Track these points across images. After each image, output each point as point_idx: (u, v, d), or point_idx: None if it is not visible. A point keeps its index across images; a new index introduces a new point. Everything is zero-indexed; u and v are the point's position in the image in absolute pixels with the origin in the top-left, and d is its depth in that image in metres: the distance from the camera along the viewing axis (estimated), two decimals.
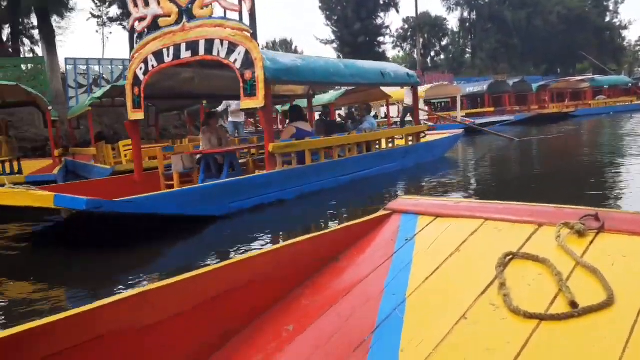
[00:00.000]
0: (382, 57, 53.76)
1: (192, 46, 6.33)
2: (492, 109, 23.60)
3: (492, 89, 24.54)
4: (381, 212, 2.07)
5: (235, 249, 4.55)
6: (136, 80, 6.93)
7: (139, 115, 7.05)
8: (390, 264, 1.71)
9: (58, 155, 10.62)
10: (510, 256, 1.54)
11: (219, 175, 6.90)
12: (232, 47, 6.06)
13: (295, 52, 60.37)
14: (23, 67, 15.67)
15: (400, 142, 9.68)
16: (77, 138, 13.41)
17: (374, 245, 1.88)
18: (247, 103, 6.10)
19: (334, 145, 7.44)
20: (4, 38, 20.49)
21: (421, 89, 19.30)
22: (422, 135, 10.48)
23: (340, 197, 6.80)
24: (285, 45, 61.14)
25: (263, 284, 1.69)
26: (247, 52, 6.00)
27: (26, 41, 22.56)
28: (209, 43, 6.20)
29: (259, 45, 6.11)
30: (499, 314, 1.35)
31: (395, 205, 2.08)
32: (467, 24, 56.37)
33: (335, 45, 54.20)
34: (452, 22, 57.12)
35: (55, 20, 19.56)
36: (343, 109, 20.32)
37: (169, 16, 6.46)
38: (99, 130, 13.32)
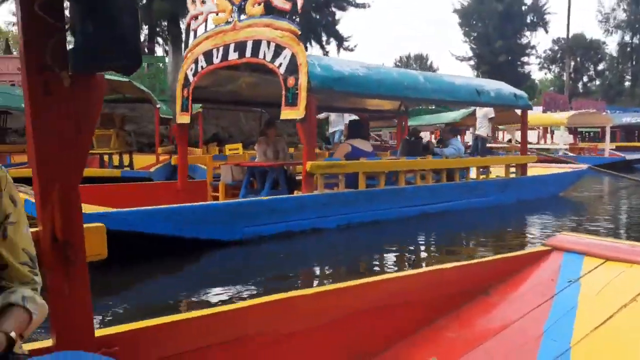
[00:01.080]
0: (525, 77, 51.22)
1: (240, 47, 5.81)
2: None
3: None
4: (539, 247, 1.92)
5: (226, 289, 3.67)
6: (186, 82, 6.46)
7: (185, 118, 6.57)
8: (551, 307, 1.57)
9: (164, 152, 10.80)
10: None
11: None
12: (278, 50, 5.50)
13: (430, 68, 59.81)
14: (145, 65, 16.30)
15: (500, 174, 8.51)
16: (189, 137, 13.87)
17: (530, 283, 1.75)
18: (287, 113, 5.42)
19: (401, 170, 6.45)
20: (141, 38, 22.68)
21: (563, 115, 17.94)
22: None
23: (394, 232, 5.84)
24: (420, 61, 60.75)
25: (402, 308, 1.64)
26: (292, 56, 5.37)
27: (161, 41, 24.50)
28: (257, 44, 5.68)
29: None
30: None
31: (556, 242, 1.92)
32: (628, 49, 51.67)
33: (472, 62, 52.81)
34: (611, 46, 52.52)
35: (182, 22, 21.20)
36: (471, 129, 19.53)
37: (223, 13, 6.02)
38: (214, 132, 13.66)
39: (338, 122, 12.45)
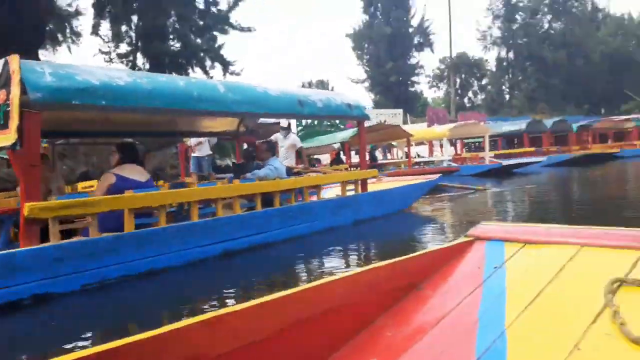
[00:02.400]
0: (417, 96, 54.34)
1: None
2: (531, 149, 23.19)
3: (530, 128, 24.21)
4: (462, 239, 2.01)
5: None
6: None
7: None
8: (481, 294, 1.64)
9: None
10: (619, 283, 1.45)
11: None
12: None
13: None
14: None
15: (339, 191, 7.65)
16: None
17: (459, 273, 1.82)
18: None
19: (193, 201, 5.26)
20: None
21: (444, 128, 19.42)
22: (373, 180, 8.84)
23: (174, 284, 4.56)
24: (322, 85, 62.53)
25: (340, 312, 1.63)
26: (5, 63, 4.10)
27: None
28: None
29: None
30: (617, 344, 1.26)
31: (478, 232, 2.02)
32: (505, 63, 56.68)
33: (366, 84, 55.16)
34: (492, 62, 57.52)
35: (44, 54, 20.04)
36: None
37: None
38: (85, 170, 12.64)
39: (203, 147, 11.14)
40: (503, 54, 56.22)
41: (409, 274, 1.82)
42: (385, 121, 21.90)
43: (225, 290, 4.35)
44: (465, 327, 1.50)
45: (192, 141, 11.25)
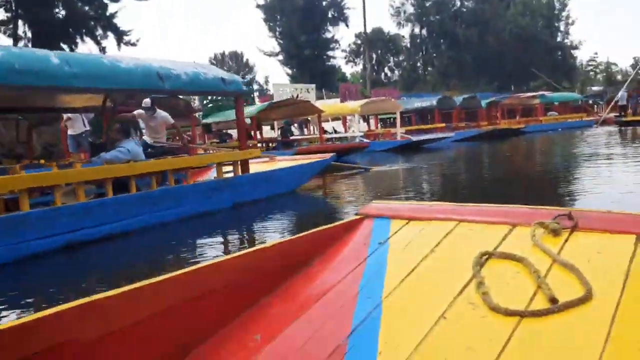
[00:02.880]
0: (333, 71, 54.65)
1: None
2: (442, 125, 24.22)
3: (441, 104, 25.10)
4: (353, 217, 2.09)
5: None
6: None
7: None
8: (364, 268, 1.73)
9: None
10: (487, 256, 1.59)
11: None
12: None
13: (247, 65, 60.62)
14: None
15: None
16: None
17: (347, 250, 1.89)
18: None
19: (22, 189, 4.77)
20: None
21: (356, 104, 19.67)
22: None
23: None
24: (236, 58, 61.34)
25: (227, 292, 1.65)
26: None
27: None
28: None
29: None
30: (479, 312, 1.38)
31: (368, 210, 2.11)
32: (418, 40, 58.23)
33: (280, 57, 54.71)
34: (407, 38, 58.91)
35: None
36: (276, 123, 20.21)
37: None
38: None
39: (75, 122, 10.13)
40: (417, 30, 57.69)
41: (300, 253, 1.87)
42: (298, 96, 21.95)
43: (62, 288, 3.97)
44: (346, 300, 1.58)
45: (64, 118, 10.17)
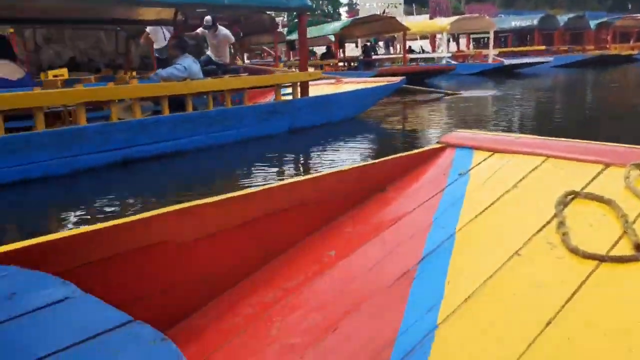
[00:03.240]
0: None
1: None
2: (542, 48, 22.01)
3: (542, 24, 22.71)
4: (434, 145, 2.07)
5: None
6: None
7: None
8: (441, 198, 1.73)
9: None
10: (572, 195, 1.54)
11: None
12: None
13: None
14: None
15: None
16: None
17: (425, 178, 1.90)
18: None
19: (79, 104, 4.87)
20: None
21: (445, 21, 18.36)
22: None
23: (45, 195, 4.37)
24: None
25: (306, 209, 1.74)
26: None
27: None
28: None
29: None
30: (556, 252, 1.36)
31: (450, 139, 2.08)
32: None
33: None
34: None
35: None
36: (360, 41, 19.46)
37: None
38: (72, 56, 11.59)
39: (156, 36, 9.86)
40: None
41: (377, 177, 1.90)
42: (385, 12, 20.96)
43: (119, 201, 4.11)
44: (420, 228, 1.61)
45: (145, 32, 10.11)
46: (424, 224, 1.62)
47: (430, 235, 1.56)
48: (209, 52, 8.89)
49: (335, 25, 15.89)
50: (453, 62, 17.84)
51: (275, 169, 5.27)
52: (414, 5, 31.08)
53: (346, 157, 5.56)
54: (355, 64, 17.15)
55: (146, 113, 5.70)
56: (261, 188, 1.67)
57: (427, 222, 1.63)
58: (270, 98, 7.44)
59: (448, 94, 11.16)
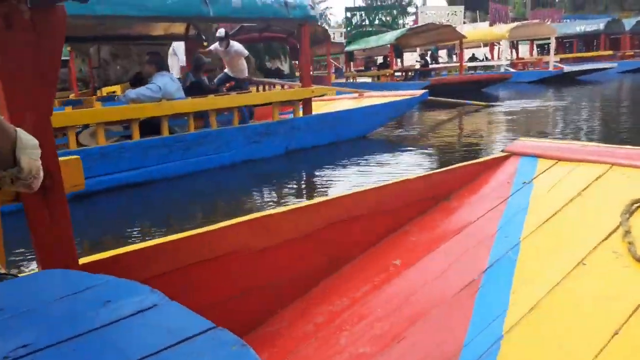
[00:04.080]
0: None
1: None
2: (608, 53, 20.98)
3: (609, 28, 21.62)
4: (498, 154, 2.11)
5: None
6: None
7: None
8: (505, 207, 1.77)
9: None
10: (638, 204, 1.54)
11: None
12: None
13: None
14: None
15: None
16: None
17: (489, 187, 1.94)
18: None
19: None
20: None
21: (504, 28, 17.64)
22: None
23: None
24: None
25: (373, 218, 1.81)
26: None
27: None
28: None
29: None
30: (621, 262, 1.37)
31: (514, 147, 2.11)
32: None
33: None
34: None
35: None
36: (419, 50, 19.15)
37: None
38: (139, 71, 12.00)
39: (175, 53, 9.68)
40: None
41: (442, 186, 1.96)
42: (446, 21, 20.62)
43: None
44: (484, 236, 1.65)
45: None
46: (488, 233, 1.67)
47: (495, 244, 1.60)
48: (226, 70, 8.47)
49: (391, 35, 15.83)
50: (512, 69, 17.33)
51: (256, 198, 4.80)
52: (477, 12, 30.57)
53: (342, 183, 5.00)
54: (412, 74, 17.07)
55: (113, 139, 5.21)
56: (328, 198, 1.77)
57: (491, 231, 1.67)
58: (288, 115, 7.04)
59: (482, 105, 10.52)
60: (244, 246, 1.58)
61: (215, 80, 8.26)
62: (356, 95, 8.32)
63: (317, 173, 5.67)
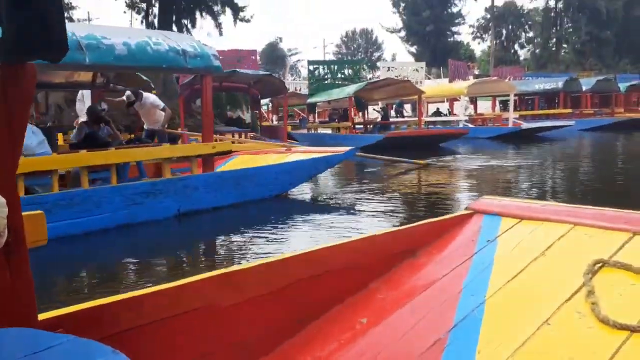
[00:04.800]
0: (457, 48, 52.97)
1: None
2: (567, 111, 21.67)
3: (568, 87, 22.26)
4: (463, 211, 2.14)
5: None
6: None
7: None
8: (470, 265, 1.79)
9: None
10: (601, 264, 1.57)
11: None
12: None
13: (375, 42, 61.47)
14: None
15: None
16: None
17: (454, 244, 1.96)
18: None
19: None
20: None
21: (463, 85, 18.18)
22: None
23: None
24: (366, 35, 62.18)
25: (339, 274, 1.80)
26: None
27: None
28: None
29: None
30: (586, 322, 1.38)
31: (478, 205, 2.15)
32: (552, 14, 54.22)
33: (402, 34, 54.05)
34: (540, 12, 54.91)
35: None
36: (380, 104, 19.64)
37: None
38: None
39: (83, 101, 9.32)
40: (552, 3, 53.63)
41: (408, 242, 1.97)
42: (404, 76, 21.28)
43: None
44: (450, 295, 1.66)
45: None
46: (454, 291, 1.67)
47: (460, 303, 1.60)
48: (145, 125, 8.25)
49: (351, 89, 16.21)
50: (470, 125, 17.69)
51: (111, 276, 4.09)
52: (441, 68, 31.84)
53: (235, 252, 4.52)
54: (371, 127, 17.39)
55: None
56: (296, 253, 1.75)
57: (457, 289, 1.68)
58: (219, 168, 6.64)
59: (420, 164, 9.99)
60: (210, 303, 1.55)
61: (143, 135, 8.09)
62: (283, 149, 7.88)
63: (207, 240, 5.03)
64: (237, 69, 12.71)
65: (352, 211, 6.13)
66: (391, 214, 5.88)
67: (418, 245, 1.99)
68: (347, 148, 7.38)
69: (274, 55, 57.36)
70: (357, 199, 6.91)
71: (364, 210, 6.09)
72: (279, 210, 6.18)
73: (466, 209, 2.18)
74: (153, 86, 9.33)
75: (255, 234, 4.99)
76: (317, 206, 6.64)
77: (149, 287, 1.51)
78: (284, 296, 1.68)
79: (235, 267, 1.63)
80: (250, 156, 7.52)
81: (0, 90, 1.07)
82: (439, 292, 1.71)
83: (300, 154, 7.30)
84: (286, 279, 1.69)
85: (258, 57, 23.29)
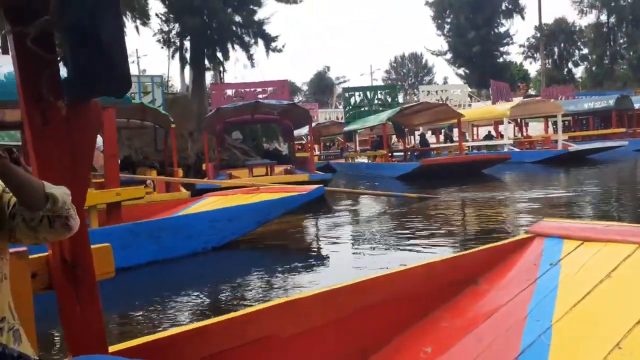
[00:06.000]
0: (506, 68, 52.17)
1: None
2: (621, 130, 20.16)
3: (620, 105, 20.87)
4: (523, 235, 2.13)
5: None
6: None
7: None
8: (534, 289, 1.77)
9: None
10: None
11: None
12: None
13: (425, 66, 61.68)
14: None
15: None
16: None
17: (515, 269, 1.95)
18: None
19: None
20: None
21: (504, 107, 17.22)
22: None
23: None
24: (415, 59, 62.52)
25: (398, 303, 1.82)
26: None
27: None
28: None
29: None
30: None
31: (538, 228, 2.13)
32: (605, 29, 52.82)
33: (448, 56, 53.71)
34: (590, 28, 53.58)
35: None
36: (421, 129, 19.08)
37: None
38: (126, 155, 11.81)
39: None
40: (603, 18, 52.26)
41: (468, 269, 1.97)
42: (446, 99, 20.85)
43: None
44: (515, 321, 1.65)
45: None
46: (519, 317, 1.66)
47: (526, 329, 1.59)
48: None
49: (385, 114, 15.56)
50: (515, 149, 16.87)
51: None
52: (485, 90, 31.34)
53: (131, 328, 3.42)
54: (409, 154, 16.98)
55: None
56: (354, 281, 1.78)
57: (522, 315, 1.66)
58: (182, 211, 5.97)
59: (413, 198, 8.49)
60: (274, 332, 1.59)
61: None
62: (253, 188, 7.02)
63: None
64: (260, 100, 12.67)
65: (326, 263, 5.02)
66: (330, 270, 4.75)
67: (479, 272, 1.98)
68: (315, 187, 6.37)
69: (322, 85, 58.04)
70: (310, 245, 5.93)
71: (305, 262, 4.96)
72: (207, 267, 5.13)
73: (526, 232, 2.16)
74: (172, 119, 9.47)
75: (159, 301, 3.94)
76: (274, 257, 5.37)
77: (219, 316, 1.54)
78: (343, 326, 1.70)
79: (294, 296, 1.67)
80: (219, 197, 6.80)
81: (65, 128, 1.14)
82: (503, 318, 1.70)
83: (268, 193, 6.47)
84: (344, 308, 1.72)
85: (296, 88, 23.39)
